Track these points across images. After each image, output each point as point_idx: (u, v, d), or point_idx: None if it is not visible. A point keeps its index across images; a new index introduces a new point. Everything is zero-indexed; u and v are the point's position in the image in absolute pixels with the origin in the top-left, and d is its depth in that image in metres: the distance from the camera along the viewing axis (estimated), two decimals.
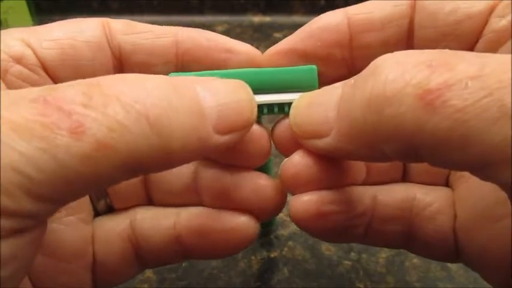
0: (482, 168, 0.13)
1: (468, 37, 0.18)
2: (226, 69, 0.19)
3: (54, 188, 0.13)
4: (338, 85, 0.17)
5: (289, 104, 0.18)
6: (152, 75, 0.15)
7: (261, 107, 0.19)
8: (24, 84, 0.18)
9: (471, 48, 0.18)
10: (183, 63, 0.20)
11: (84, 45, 0.19)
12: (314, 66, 0.19)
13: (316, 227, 0.19)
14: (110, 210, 0.21)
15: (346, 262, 0.28)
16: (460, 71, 0.13)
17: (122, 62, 0.19)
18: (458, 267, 0.27)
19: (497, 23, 0.17)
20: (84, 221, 0.20)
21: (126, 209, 0.21)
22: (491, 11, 0.17)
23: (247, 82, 0.18)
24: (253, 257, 0.28)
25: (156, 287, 0.27)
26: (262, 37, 0.46)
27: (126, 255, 0.20)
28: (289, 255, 0.28)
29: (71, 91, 0.14)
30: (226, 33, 0.46)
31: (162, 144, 0.14)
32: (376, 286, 0.27)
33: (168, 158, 0.15)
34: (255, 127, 0.18)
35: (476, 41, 0.18)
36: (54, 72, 0.18)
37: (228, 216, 0.19)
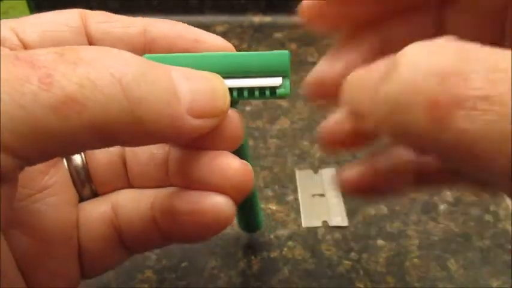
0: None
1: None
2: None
3: (22, 139, 0.13)
4: (376, 68, 0.16)
5: (260, 89, 0.19)
6: (132, 54, 0.16)
7: (231, 91, 0.19)
8: (28, 50, 0.18)
9: None
10: (150, 52, 0.20)
11: (65, 29, 0.19)
12: (286, 52, 0.19)
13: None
14: (94, 195, 0.21)
15: (346, 262, 0.28)
16: (471, 87, 0.12)
17: None
18: (458, 267, 0.27)
19: None
20: (69, 204, 0.20)
21: (109, 193, 0.21)
22: None
23: (219, 65, 0.18)
24: (253, 257, 0.28)
25: (156, 287, 0.27)
26: (262, 37, 0.46)
27: (110, 239, 0.20)
28: (289, 255, 0.28)
29: (43, 51, 0.14)
30: (227, 33, 0.46)
31: (132, 109, 0.14)
32: (376, 286, 0.27)
33: (138, 128, 0.15)
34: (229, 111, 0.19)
35: None
36: None
37: (198, 196, 0.18)
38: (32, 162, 0.14)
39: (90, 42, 0.20)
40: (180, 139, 0.18)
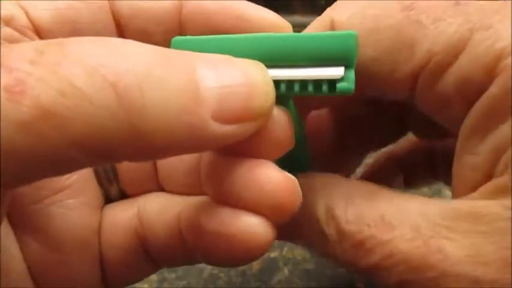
0: None
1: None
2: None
3: None
4: None
5: (315, 82, 0.14)
6: (143, 43, 0.12)
7: (277, 84, 0.14)
8: (12, 44, 0.16)
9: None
10: (185, 31, 0.17)
11: (84, 7, 0.16)
12: (353, 32, 0.14)
13: None
14: (123, 196, 0.19)
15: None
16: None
17: (122, 29, 0.17)
18: None
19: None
20: (89, 206, 0.18)
21: (138, 195, 0.19)
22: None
23: (262, 51, 0.14)
24: None
25: (156, 286, 0.27)
26: None
27: (133, 248, 0.18)
28: (289, 255, 0.28)
29: (25, 47, 0.11)
30: None
31: (131, 122, 0.11)
32: (376, 286, 0.27)
33: (141, 143, 0.12)
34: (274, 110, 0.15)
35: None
36: (49, 35, 0.16)
37: (228, 214, 0.15)
38: (9, 187, 0.12)
39: (118, 20, 0.17)
40: (204, 150, 0.15)
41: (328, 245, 0.16)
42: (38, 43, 0.12)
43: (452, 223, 0.14)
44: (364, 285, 0.27)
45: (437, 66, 0.15)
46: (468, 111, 0.15)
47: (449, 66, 0.15)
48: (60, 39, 0.12)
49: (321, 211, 0.16)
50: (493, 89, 0.14)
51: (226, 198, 0.15)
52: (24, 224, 0.17)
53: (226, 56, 0.14)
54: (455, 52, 0.15)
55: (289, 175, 0.15)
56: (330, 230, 0.16)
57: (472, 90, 0.15)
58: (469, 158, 0.15)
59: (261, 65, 0.14)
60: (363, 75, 0.16)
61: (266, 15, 0.16)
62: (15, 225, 0.17)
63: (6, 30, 0.16)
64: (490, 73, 0.14)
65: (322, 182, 0.17)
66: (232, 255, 0.15)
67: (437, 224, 0.14)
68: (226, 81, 0.13)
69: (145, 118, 0.11)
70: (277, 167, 0.15)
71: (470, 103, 0.15)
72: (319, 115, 0.21)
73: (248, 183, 0.14)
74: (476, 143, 0.15)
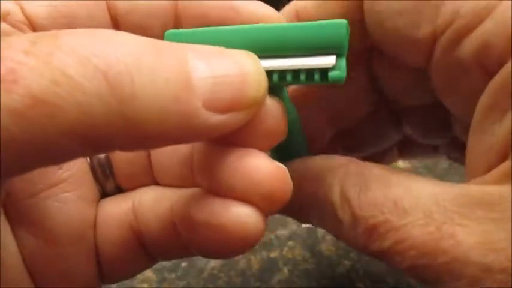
0: None
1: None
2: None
3: None
4: None
5: (307, 71, 0.14)
6: (134, 35, 0.13)
7: (270, 73, 0.15)
8: (5, 36, 0.16)
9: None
10: (181, 25, 0.17)
11: (79, 3, 0.17)
12: (343, 21, 0.14)
13: None
14: (119, 191, 0.19)
15: (346, 262, 0.28)
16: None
17: (118, 25, 0.17)
18: None
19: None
20: (85, 200, 0.18)
21: (133, 189, 0.19)
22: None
23: (254, 41, 0.15)
24: (253, 257, 0.28)
25: (156, 286, 0.27)
26: None
27: (128, 242, 0.18)
28: (289, 255, 0.28)
29: (19, 38, 0.12)
30: None
31: (121, 110, 0.11)
32: (376, 286, 0.27)
33: (133, 132, 0.12)
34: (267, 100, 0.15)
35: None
36: (44, 30, 0.16)
37: (219, 204, 0.15)
38: (4, 176, 0.12)
39: (114, 16, 0.17)
40: (197, 139, 0.15)
41: (342, 229, 0.16)
42: (32, 34, 0.12)
43: (464, 209, 0.14)
44: (364, 285, 0.27)
45: (459, 30, 0.15)
46: (485, 85, 0.15)
47: (471, 32, 0.15)
48: (54, 31, 0.12)
49: (335, 195, 0.16)
50: None
51: (217, 188, 0.15)
52: (21, 217, 0.17)
53: (218, 47, 0.14)
54: (480, 17, 0.14)
55: (279, 164, 0.15)
56: (345, 215, 0.16)
57: (491, 60, 0.14)
58: (485, 138, 0.15)
59: (253, 55, 0.14)
60: (385, 29, 0.16)
61: (259, 7, 0.16)
62: (11, 219, 0.17)
63: (2, 26, 0.16)
64: None
65: (336, 165, 0.17)
66: (223, 245, 0.15)
67: (450, 209, 0.14)
68: (218, 71, 0.13)
69: (136, 106, 0.12)
70: (267, 156, 0.15)
71: (489, 75, 0.15)
72: (316, 117, 0.21)
73: (237, 172, 0.14)
74: (493, 122, 0.15)
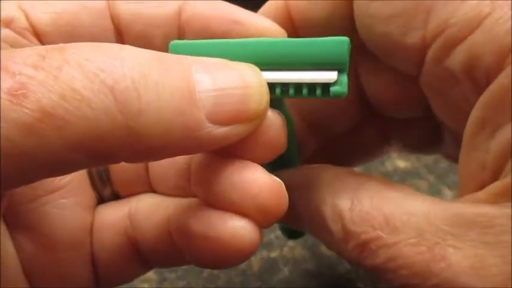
0: None
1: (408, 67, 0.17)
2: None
3: None
4: None
5: (309, 85, 0.15)
6: (140, 49, 0.13)
7: (272, 86, 0.15)
8: (13, 49, 0.16)
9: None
10: (185, 36, 0.17)
11: (83, 10, 0.17)
12: (345, 38, 0.14)
13: None
14: (116, 198, 0.19)
15: (346, 262, 0.28)
16: None
17: (121, 33, 0.18)
18: None
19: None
20: (82, 207, 0.18)
21: (130, 196, 0.19)
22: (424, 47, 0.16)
23: (257, 54, 0.15)
24: (253, 257, 0.28)
25: (156, 286, 0.27)
26: None
27: (123, 249, 0.18)
28: (289, 255, 0.28)
29: (28, 52, 0.12)
30: None
31: (127, 124, 0.12)
32: (376, 286, 0.27)
33: (138, 145, 0.12)
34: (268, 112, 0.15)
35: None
36: (48, 38, 0.17)
37: (216, 217, 0.15)
38: (9, 187, 0.12)
39: (117, 25, 0.17)
40: (199, 151, 0.15)
41: (333, 241, 0.16)
42: (40, 48, 0.12)
43: (457, 230, 0.14)
44: (364, 285, 0.27)
45: (448, 40, 0.15)
46: (475, 97, 0.15)
47: (461, 41, 0.15)
48: (61, 45, 0.12)
49: (327, 208, 0.16)
50: (504, 80, 0.14)
51: (214, 199, 0.15)
52: (19, 222, 0.17)
53: (222, 60, 0.14)
54: (470, 27, 0.14)
55: (276, 178, 0.15)
56: (336, 228, 0.16)
57: (480, 72, 0.14)
58: (477, 154, 0.15)
59: (256, 68, 0.15)
60: (376, 33, 0.16)
61: (262, 21, 0.17)
62: (9, 224, 0.17)
63: (5, 32, 0.16)
64: (502, 57, 0.14)
65: (329, 176, 0.17)
66: (219, 256, 0.15)
67: (442, 229, 0.14)
68: (222, 84, 0.13)
69: (142, 121, 0.12)
70: (264, 170, 0.15)
71: (477, 87, 0.14)
72: (297, 126, 0.21)
73: (235, 185, 0.15)
74: (484, 139, 0.14)
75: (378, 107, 0.20)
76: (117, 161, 0.13)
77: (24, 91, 0.11)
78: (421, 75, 0.16)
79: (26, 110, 0.11)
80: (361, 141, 0.22)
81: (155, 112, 0.12)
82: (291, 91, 0.15)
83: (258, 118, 0.14)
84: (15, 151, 0.11)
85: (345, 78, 0.15)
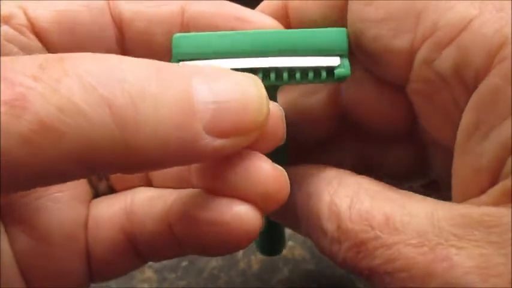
0: None
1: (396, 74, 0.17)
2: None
3: None
4: None
5: (315, 70, 0.16)
6: (139, 59, 0.13)
7: (280, 72, 0.16)
8: (11, 46, 0.16)
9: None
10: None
11: (83, 8, 0.17)
12: (343, 29, 0.16)
13: None
14: (112, 191, 0.19)
15: None
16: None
17: (122, 31, 0.18)
18: None
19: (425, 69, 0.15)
20: (77, 200, 0.18)
21: (126, 190, 0.19)
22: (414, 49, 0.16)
23: (262, 43, 0.16)
24: (253, 257, 0.28)
25: (156, 286, 0.27)
26: None
27: (118, 244, 0.18)
28: (289, 255, 0.28)
29: (28, 61, 0.12)
30: None
31: (124, 138, 0.12)
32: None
33: (135, 158, 0.12)
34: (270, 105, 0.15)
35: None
36: (47, 35, 0.17)
37: (221, 203, 0.15)
38: (5, 194, 0.13)
39: (118, 23, 0.17)
40: (196, 162, 0.16)
41: (326, 241, 0.16)
42: (40, 58, 0.12)
43: (461, 230, 0.13)
44: (364, 285, 0.27)
45: (437, 41, 0.15)
46: (465, 100, 0.14)
47: (450, 43, 0.14)
48: (61, 55, 0.12)
49: (324, 206, 0.16)
50: (494, 79, 0.13)
51: (219, 187, 0.15)
52: (13, 216, 0.17)
53: (223, 70, 0.14)
54: (459, 28, 0.14)
55: (279, 167, 0.16)
56: (331, 226, 0.15)
57: (469, 73, 0.14)
58: (472, 158, 0.14)
59: (257, 79, 0.15)
60: (366, 38, 0.16)
61: (263, 18, 0.17)
62: (4, 218, 0.17)
63: (5, 29, 0.16)
64: (490, 58, 0.14)
65: (329, 176, 0.17)
66: (223, 242, 0.15)
67: (446, 230, 0.13)
68: (220, 96, 0.13)
69: (139, 135, 0.12)
70: (267, 158, 0.15)
71: (467, 89, 0.14)
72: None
73: (239, 173, 0.15)
74: (478, 142, 0.14)
75: (359, 120, 0.20)
76: (112, 172, 0.14)
77: (23, 102, 0.11)
78: (409, 81, 0.16)
79: (24, 122, 0.11)
80: (336, 153, 0.22)
81: (152, 126, 0.12)
82: (298, 76, 0.16)
83: (257, 130, 0.14)
84: (12, 162, 0.11)
85: (347, 62, 0.16)
